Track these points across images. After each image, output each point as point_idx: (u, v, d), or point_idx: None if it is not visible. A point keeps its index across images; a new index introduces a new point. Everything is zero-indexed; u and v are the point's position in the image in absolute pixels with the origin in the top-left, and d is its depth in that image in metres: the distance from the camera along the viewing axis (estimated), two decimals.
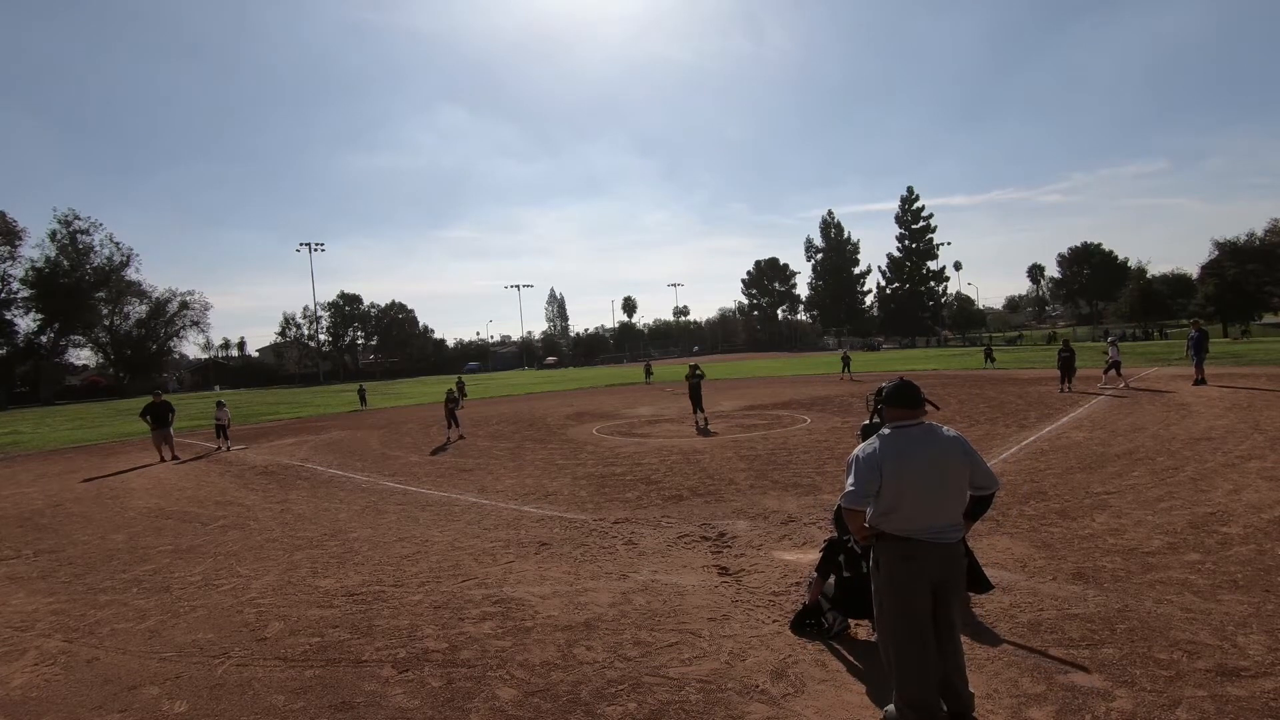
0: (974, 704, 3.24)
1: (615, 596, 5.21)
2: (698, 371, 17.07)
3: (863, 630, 4.35)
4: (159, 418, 16.11)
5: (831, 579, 4.28)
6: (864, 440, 5.01)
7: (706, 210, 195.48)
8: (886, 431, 3.22)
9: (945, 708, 3.17)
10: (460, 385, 28.42)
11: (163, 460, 15.67)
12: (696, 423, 16.21)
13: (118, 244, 76.67)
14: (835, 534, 4.30)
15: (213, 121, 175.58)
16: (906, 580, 3.09)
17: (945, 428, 3.26)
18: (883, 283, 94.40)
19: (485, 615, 4.99)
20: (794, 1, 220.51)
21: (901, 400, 3.24)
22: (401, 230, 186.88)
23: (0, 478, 14.98)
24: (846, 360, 33.50)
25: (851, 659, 3.98)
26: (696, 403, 16.70)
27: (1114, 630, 4.08)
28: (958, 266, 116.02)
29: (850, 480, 3.14)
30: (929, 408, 3.34)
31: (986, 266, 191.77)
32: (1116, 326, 78.69)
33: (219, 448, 17.47)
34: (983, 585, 3.61)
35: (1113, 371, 20.00)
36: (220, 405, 18.68)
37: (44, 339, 73.79)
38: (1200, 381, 17.70)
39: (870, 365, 41.06)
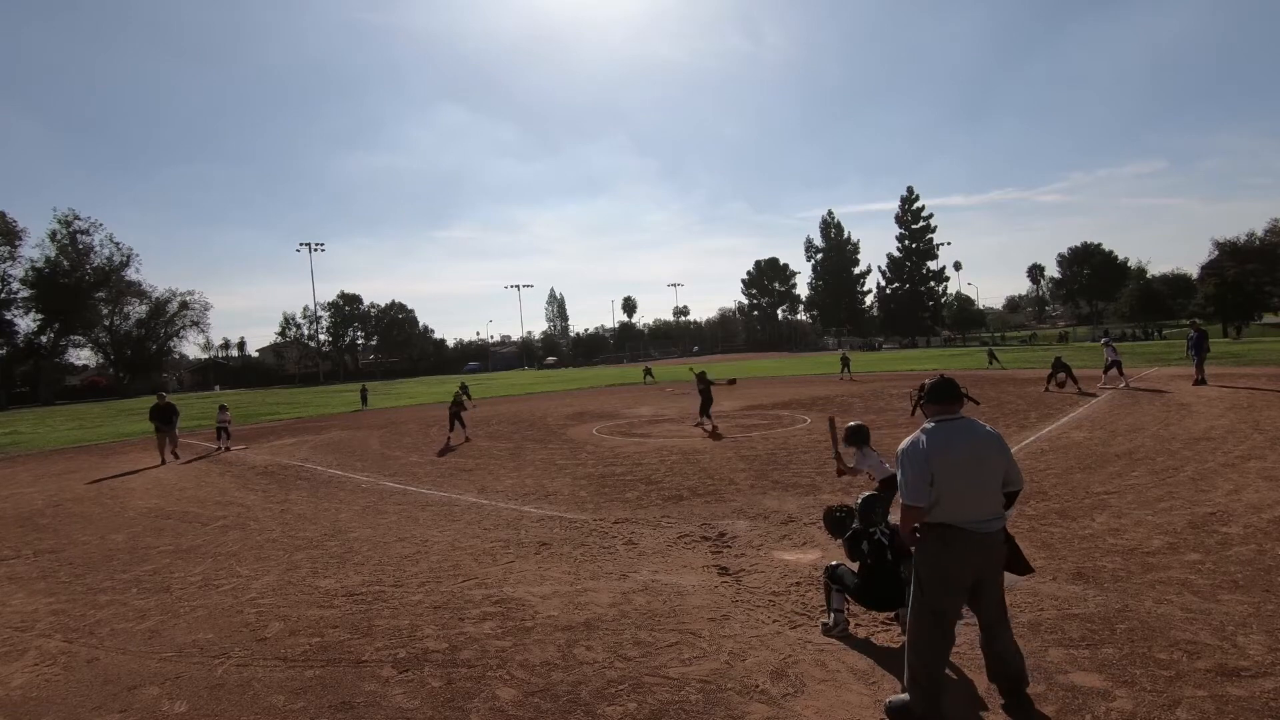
0: (1026, 672, 3.41)
1: (615, 596, 5.21)
2: (707, 377, 16.60)
3: (862, 630, 4.35)
4: (164, 420, 16.07)
5: (856, 565, 4.31)
6: (849, 444, 5.33)
7: (706, 210, 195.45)
8: (930, 425, 3.36)
9: (1003, 683, 3.37)
10: (464, 389, 28.38)
11: (164, 462, 15.43)
12: (702, 424, 15.78)
13: (118, 244, 76.84)
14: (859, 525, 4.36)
15: (213, 121, 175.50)
16: (948, 567, 3.22)
17: (984, 423, 3.43)
18: (883, 283, 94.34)
19: (485, 615, 4.99)
20: (792, 2, 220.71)
21: (943, 396, 3.39)
22: (401, 230, 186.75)
23: (0, 478, 14.98)
24: (846, 361, 33.39)
25: (851, 659, 3.98)
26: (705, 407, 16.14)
27: (1114, 630, 4.08)
28: (958, 266, 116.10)
29: (904, 478, 3.24)
30: (969, 403, 3.50)
31: (986, 266, 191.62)
32: (1116, 326, 78.70)
33: (219, 449, 17.24)
34: (1023, 568, 3.54)
35: (1114, 371, 19.92)
36: (223, 409, 18.41)
37: (44, 339, 73.84)
38: (1200, 381, 17.71)
39: (871, 365, 41.04)
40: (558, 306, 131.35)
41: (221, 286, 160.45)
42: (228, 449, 17.18)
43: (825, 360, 51.44)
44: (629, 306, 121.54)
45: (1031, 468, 9.07)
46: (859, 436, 5.71)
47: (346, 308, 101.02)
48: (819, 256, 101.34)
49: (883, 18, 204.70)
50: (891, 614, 4.30)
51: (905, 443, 3.34)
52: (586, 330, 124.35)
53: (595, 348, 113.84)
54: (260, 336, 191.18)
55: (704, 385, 16.27)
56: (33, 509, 10.72)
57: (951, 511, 3.19)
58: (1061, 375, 19.08)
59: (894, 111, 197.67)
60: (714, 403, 16.52)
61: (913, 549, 3.37)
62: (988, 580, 3.30)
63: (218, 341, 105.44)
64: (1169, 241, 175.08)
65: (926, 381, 3.52)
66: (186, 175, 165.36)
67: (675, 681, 3.82)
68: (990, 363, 32.94)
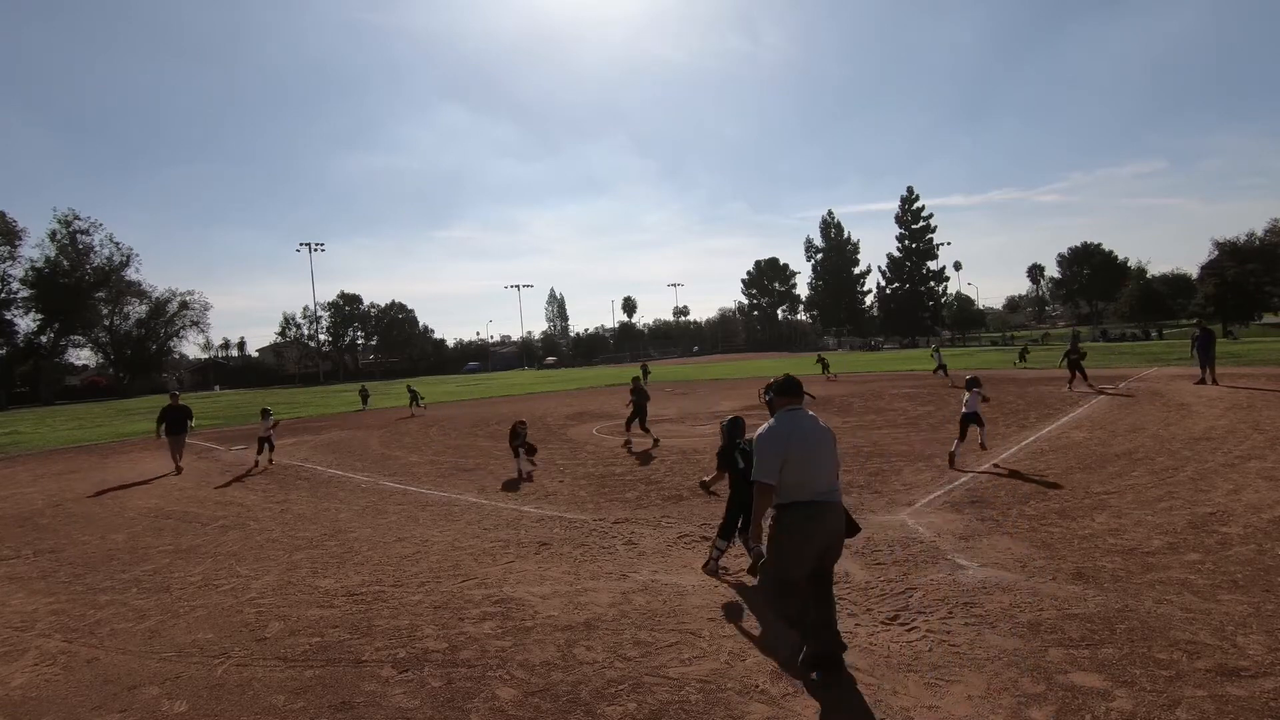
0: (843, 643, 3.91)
1: (615, 596, 5.21)
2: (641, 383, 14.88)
3: (862, 631, 4.35)
4: (175, 423, 13.99)
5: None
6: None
7: (706, 210, 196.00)
8: (779, 415, 3.94)
9: (826, 650, 3.77)
10: (413, 393, 26.37)
11: (180, 470, 13.68)
12: (628, 438, 14.10)
13: (118, 244, 76.95)
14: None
15: (213, 121, 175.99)
16: (811, 535, 3.73)
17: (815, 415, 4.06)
18: (883, 283, 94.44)
19: (485, 615, 4.99)
20: (791, 2, 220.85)
21: (788, 391, 4.03)
22: (401, 230, 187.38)
23: (0, 478, 14.97)
24: (824, 362, 33.65)
25: (851, 659, 3.97)
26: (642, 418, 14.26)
27: (1114, 630, 4.08)
28: (958, 266, 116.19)
29: (759, 460, 3.78)
30: (808, 397, 4.30)
31: (986, 266, 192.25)
32: (1115, 326, 78.76)
33: (257, 464, 13.89)
34: (854, 529, 3.96)
35: (940, 373, 25.69)
36: (266, 414, 14.27)
37: (44, 339, 73.85)
38: (1202, 381, 17.49)
39: (871, 365, 41.01)
40: (558, 306, 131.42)
41: (221, 286, 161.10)
42: (270, 462, 14.06)
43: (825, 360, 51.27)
44: (629, 306, 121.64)
45: (1031, 468, 9.07)
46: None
47: (346, 308, 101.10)
48: (819, 256, 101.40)
49: (883, 18, 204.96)
50: (893, 619, 4.30)
51: (761, 430, 3.88)
52: (586, 330, 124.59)
53: (595, 348, 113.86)
54: (260, 336, 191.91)
55: (638, 392, 14.45)
56: (33, 509, 10.71)
57: (810, 488, 3.72)
58: (1075, 356, 19.51)
59: (894, 111, 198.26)
60: (648, 413, 14.53)
61: (775, 529, 3.79)
62: (833, 548, 3.83)
63: (218, 341, 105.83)
64: (1169, 241, 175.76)
65: (774, 380, 4.17)
66: (186, 175, 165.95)
67: (675, 681, 3.82)
68: (1020, 361, 32.70)
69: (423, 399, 27.37)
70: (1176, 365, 24.56)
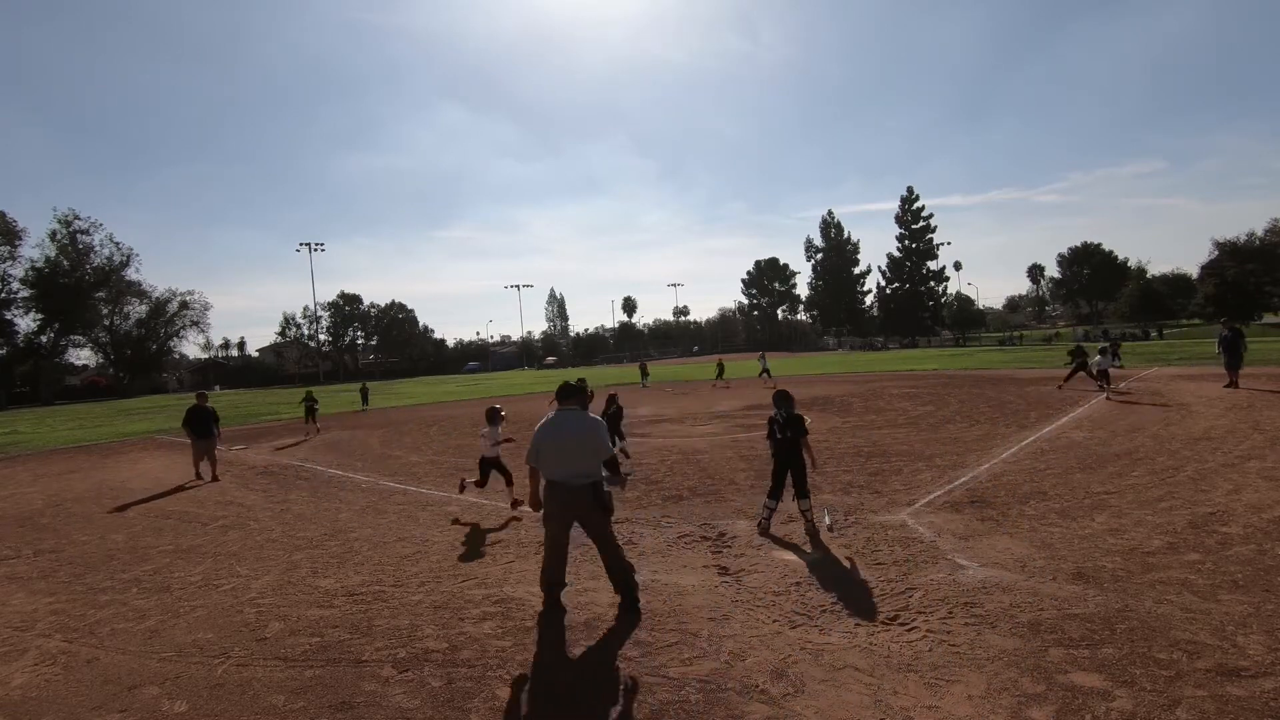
0: (638, 588, 5.00)
1: (615, 596, 5.20)
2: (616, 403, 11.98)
3: (862, 630, 4.35)
4: (202, 426, 12.71)
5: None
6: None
7: (706, 210, 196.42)
8: (551, 413, 5.08)
9: (620, 595, 4.93)
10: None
11: (200, 479, 12.45)
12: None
13: (118, 244, 77.06)
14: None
15: (212, 121, 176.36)
16: (555, 507, 4.88)
17: (591, 415, 5.13)
18: (883, 283, 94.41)
19: (485, 615, 4.99)
20: (790, 2, 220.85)
21: (563, 396, 5.16)
22: (401, 230, 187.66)
23: (0, 478, 14.96)
24: (720, 367, 34.75)
25: (852, 659, 3.98)
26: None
27: (1114, 630, 4.08)
28: (958, 266, 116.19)
29: (530, 446, 4.98)
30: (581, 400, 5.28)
31: (986, 266, 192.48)
32: (1116, 326, 78.74)
33: (512, 503, 8.64)
34: (605, 507, 4.93)
35: (764, 375, 30.39)
36: (494, 415, 9.13)
37: (44, 339, 73.87)
38: (1230, 385, 16.59)
39: (870, 365, 41.01)
40: (558, 306, 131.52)
41: (221, 286, 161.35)
42: (517, 506, 8.48)
43: (826, 360, 51.38)
44: (629, 306, 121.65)
45: (1031, 468, 9.07)
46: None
47: (346, 308, 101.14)
48: (819, 256, 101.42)
49: (883, 18, 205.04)
50: (891, 618, 4.31)
51: (538, 424, 5.01)
52: (586, 330, 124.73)
53: (595, 348, 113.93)
54: (260, 336, 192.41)
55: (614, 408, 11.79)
56: (33, 509, 10.70)
57: (552, 470, 4.86)
58: (1081, 357, 19.44)
59: (894, 111, 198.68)
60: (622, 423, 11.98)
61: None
62: (583, 518, 4.89)
63: (218, 341, 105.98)
64: (1169, 241, 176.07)
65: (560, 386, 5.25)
66: (186, 175, 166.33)
67: (675, 681, 3.82)
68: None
69: (317, 413, 21.34)
70: (1177, 365, 24.55)
